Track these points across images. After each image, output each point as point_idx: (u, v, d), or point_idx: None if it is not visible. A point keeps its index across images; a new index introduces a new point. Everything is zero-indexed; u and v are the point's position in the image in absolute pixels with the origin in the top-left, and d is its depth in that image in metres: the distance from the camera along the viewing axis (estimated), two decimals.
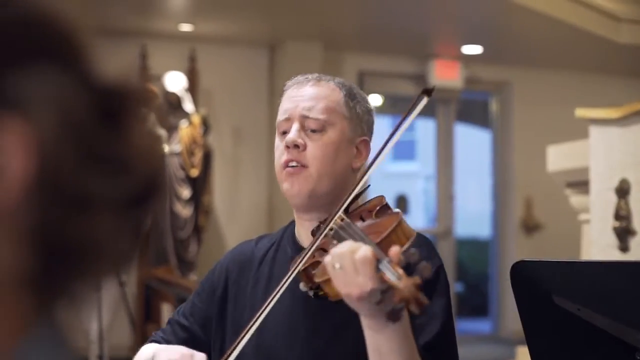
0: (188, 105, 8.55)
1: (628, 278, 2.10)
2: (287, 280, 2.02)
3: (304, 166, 2.19)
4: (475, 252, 14.23)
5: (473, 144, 15.07)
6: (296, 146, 2.19)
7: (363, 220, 2.10)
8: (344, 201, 2.08)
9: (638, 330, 2.06)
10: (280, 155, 2.23)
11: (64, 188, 0.72)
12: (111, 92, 0.75)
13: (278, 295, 2.02)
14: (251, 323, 2.03)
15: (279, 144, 2.26)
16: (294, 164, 2.20)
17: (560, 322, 2.16)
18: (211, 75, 9.39)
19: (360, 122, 2.30)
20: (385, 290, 1.65)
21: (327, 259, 1.78)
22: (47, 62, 0.72)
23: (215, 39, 9.54)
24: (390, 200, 2.16)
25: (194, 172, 8.52)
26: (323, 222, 2.16)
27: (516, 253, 10.47)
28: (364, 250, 1.70)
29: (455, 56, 10.51)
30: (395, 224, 1.89)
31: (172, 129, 8.52)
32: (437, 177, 11.38)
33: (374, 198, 2.18)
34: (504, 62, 10.90)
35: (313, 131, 2.21)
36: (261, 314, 2.03)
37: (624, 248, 4.52)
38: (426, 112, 12.56)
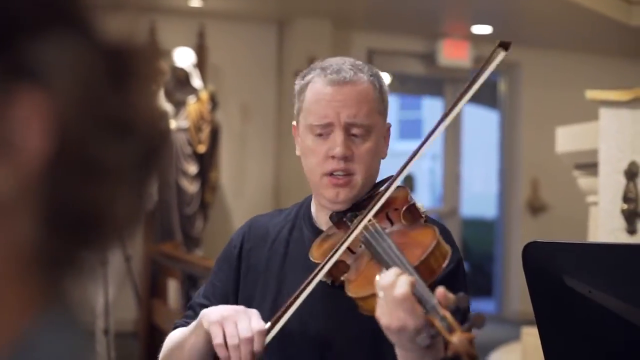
0: (196, 81, 8.54)
1: (638, 260, 2.10)
2: (313, 278, 2.01)
3: (349, 174, 2.17)
4: (480, 232, 14.22)
5: (481, 125, 15.04)
6: (345, 157, 2.15)
7: (391, 222, 2.09)
8: (371, 204, 2.05)
9: None
10: (321, 161, 2.17)
11: (80, 157, 0.71)
12: (117, 53, 0.74)
13: (308, 291, 2.01)
14: (279, 314, 2.02)
15: (313, 146, 2.19)
16: (340, 173, 2.16)
17: (571, 304, 2.16)
18: (220, 51, 9.37)
19: (387, 112, 2.29)
20: (434, 335, 1.63)
21: (376, 284, 1.76)
22: (59, 27, 0.70)
23: (225, 15, 9.52)
24: (397, 180, 2.14)
25: (201, 148, 8.51)
26: (345, 213, 2.16)
27: (521, 234, 10.47)
28: (402, 286, 1.68)
29: (464, 36, 10.48)
30: (434, 245, 1.88)
31: (179, 105, 8.51)
32: (444, 157, 11.38)
33: (397, 189, 2.16)
34: (513, 43, 10.78)
35: (355, 136, 2.17)
36: (290, 306, 2.02)
37: (631, 231, 4.51)
38: (434, 91, 12.58)
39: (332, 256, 2.01)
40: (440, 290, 1.68)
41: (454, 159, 11.25)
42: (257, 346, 1.96)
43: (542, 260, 2.18)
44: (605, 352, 2.19)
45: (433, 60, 10.57)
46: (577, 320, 2.19)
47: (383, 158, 2.28)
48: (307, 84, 2.23)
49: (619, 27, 9.34)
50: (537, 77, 11.04)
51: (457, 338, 1.58)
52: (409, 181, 18.55)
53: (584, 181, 5.27)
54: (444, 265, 1.87)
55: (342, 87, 2.16)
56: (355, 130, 2.16)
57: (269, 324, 2.00)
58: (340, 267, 2.03)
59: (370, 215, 2.03)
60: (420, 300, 1.66)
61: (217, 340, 1.98)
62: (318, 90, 2.19)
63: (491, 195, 12.34)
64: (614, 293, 2.08)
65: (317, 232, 2.24)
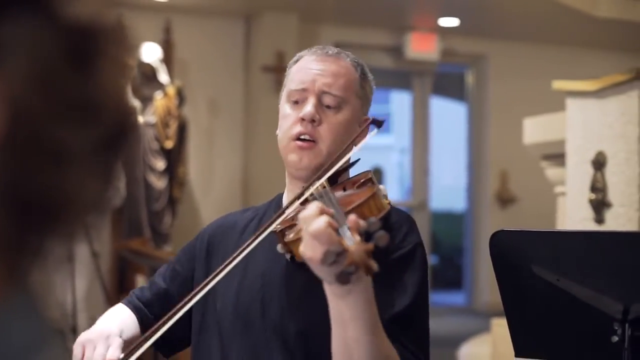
0: (163, 77, 8.49)
1: (606, 248, 2.10)
2: (261, 232, 2.02)
3: (314, 141, 2.20)
4: (450, 225, 14.27)
5: (449, 117, 15.08)
6: (312, 120, 2.20)
7: (344, 190, 2.11)
8: (326, 167, 2.08)
9: (615, 301, 2.06)
10: (291, 125, 2.23)
11: (36, 139, 0.69)
12: (81, 32, 0.71)
13: (252, 246, 2.03)
14: (220, 268, 2.04)
15: (289, 112, 2.25)
16: (306, 137, 2.20)
17: (539, 292, 2.15)
18: (186, 46, 9.32)
19: (367, 102, 2.33)
20: (340, 253, 1.64)
21: (298, 221, 1.78)
22: (15, 4, 0.68)
23: (191, 9, 9.48)
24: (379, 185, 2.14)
25: (169, 144, 8.47)
26: (307, 187, 2.15)
27: (490, 226, 10.48)
28: (320, 220, 1.68)
29: (431, 28, 10.48)
30: (369, 195, 1.89)
31: (146, 100, 8.46)
32: (413, 150, 11.38)
33: (361, 173, 2.18)
34: (480, 35, 10.88)
35: (328, 107, 2.22)
36: (231, 261, 2.03)
37: (599, 220, 4.53)
38: (402, 85, 12.60)
39: (280, 213, 2.05)
40: (352, 216, 1.71)
41: (422, 152, 11.25)
42: None
43: (509, 249, 2.17)
44: (573, 340, 2.19)
45: (401, 54, 10.56)
46: (545, 308, 2.19)
47: (355, 145, 2.27)
48: (295, 61, 2.34)
49: (585, 18, 9.37)
50: (504, 69, 11.07)
51: (354, 248, 1.61)
52: (377, 174, 18.58)
53: (551, 172, 5.29)
54: (380, 214, 1.86)
55: (324, 59, 2.27)
56: (328, 100, 2.22)
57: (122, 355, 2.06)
58: (290, 229, 2.04)
59: (323, 179, 2.06)
60: (334, 228, 1.68)
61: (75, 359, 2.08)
62: (303, 63, 2.29)
63: (460, 188, 12.37)
64: (581, 281, 2.08)
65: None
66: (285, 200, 2.33)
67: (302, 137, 2.20)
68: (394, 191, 19.12)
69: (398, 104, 19.42)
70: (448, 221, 14.52)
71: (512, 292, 2.21)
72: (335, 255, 1.64)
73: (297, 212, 2.01)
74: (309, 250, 1.70)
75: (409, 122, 11.56)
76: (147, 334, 2.04)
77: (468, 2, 9.59)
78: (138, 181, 8.34)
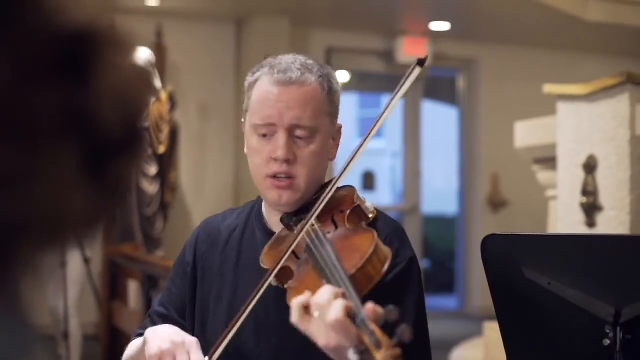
0: (155, 81, 8.48)
1: (597, 252, 2.10)
2: (260, 288, 1.99)
3: (292, 178, 2.13)
4: (441, 229, 14.26)
5: (440, 121, 15.09)
6: (287, 160, 2.11)
7: (336, 225, 2.06)
8: (315, 205, 2.03)
9: (607, 304, 2.06)
10: (264, 163, 2.14)
11: (20, 147, 0.66)
12: (77, 36, 0.69)
13: (254, 302, 1.99)
14: (229, 328, 2.00)
15: (257, 147, 2.15)
16: (282, 175, 2.12)
17: (531, 296, 2.15)
18: (178, 51, 9.32)
19: (337, 113, 2.23)
20: (363, 351, 1.59)
21: (311, 303, 1.73)
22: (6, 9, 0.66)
23: (182, 14, 9.48)
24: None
25: (161, 149, 8.45)
26: (294, 215, 2.14)
27: (482, 230, 10.49)
28: (336, 312, 1.63)
29: (422, 33, 10.49)
30: (371, 251, 1.84)
31: None
32: (404, 154, 11.39)
33: (344, 190, 2.15)
34: (471, 39, 10.90)
35: (299, 138, 2.12)
36: (240, 317, 1.99)
37: (590, 224, 4.54)
38: (393, 89, 12.54)
39: (275, 268, 1.99)
40: (370, 305, 1.63)
41: (414, 156, 11.26)
42: None
43: (501, 253, 2.17)
44: (565, 343, 2.19)
45: (392, 58, 10.57)
46: (536, 312, 2.19)
47: (332, 159, 2.25)
48: (255, 82, 2.18)
49: (576, 22, 9.40)
50: (495, 73, 11.08)
51: (381, 356, 1.55)
52: (370, 179, 18.59)
53: (543, 175, 5.30)
54: (384, 270, 1.83)
55: (287, 88, 2.12)
56: (299, 132, 2.11)
57: (206, 358, 1.98)
58: (287, 272, 2.01)
59: (311, 221, 2.01)
60: (350, 316, 1.63)
61: None
62: (264, 89, 2.14)
63: (452, 192, 12.38)
64: (572, 284, 2.08)
65: (269, 233, 2.22)
66: (266, 217, 2.29)
67: (279, 175, 2.12)
68: (385, 195, 19.12)
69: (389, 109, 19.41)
70: (440, 225, 14.51)
71: (503, 296, 2.21)
72: (359, 353, 1.60)
73: (294, 251, 2.00)
74: (324, 338, 1.67)
75: (400, 126, 11.56)
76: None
77: (459, 7, 9.60)
78: (130, 185, 8.32)
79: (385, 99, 20.11)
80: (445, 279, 12.85)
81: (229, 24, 9.85)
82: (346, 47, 10.58)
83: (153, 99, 8.39)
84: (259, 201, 2.34)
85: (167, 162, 8.58)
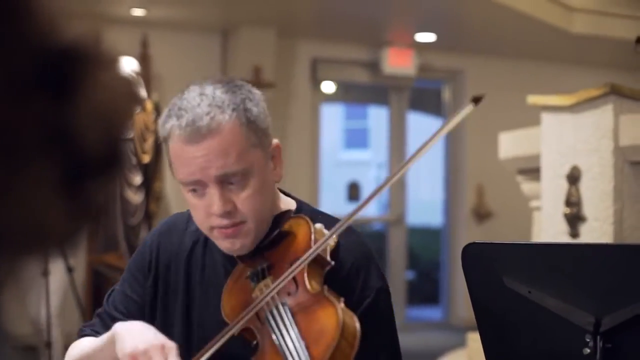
0: (140, 91, 8.46)
1: (577, 260, 2.10)
2: (222, 337, 1.93)
3: (239, 223, 2.02)
4: (427, 240, 14.26)
5: (426, 132, 15.08)
6: (227, 212, 1.99)
7: (296, 284, 1.95)
8: (284, 276, 1.91)
9: (587, 313, 2.06)
10: (205, 217, 2.03)
11: (2, 161, 0.66)
12: (63, 53, 0.69)
13: (216, 347, 1.93)
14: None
15: (193, 202, 2.04)
16: (228, 226, 2.01)
17: (511, 305, 2.15)
18: (163, 60, 9.31)
19: (265, 135, 2.07)
20: None
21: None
22: None
23: (168, 24, 9.47)
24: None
25: (145, 158, 8.43)
26: (251, 255, 2.07)
27: (467, 241, 10.40)
28: None
29: (408, 44, 10.51)
30: (338, 335, 1.77)
31: None
32: (390, 165, 11.39)
33: (298, 221, 2.05)
34: (457, 50, 10.92)
35: (231, 184, 1.99)
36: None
37: (574, 234, 4.55)
38: (379, 100, 12.62)
39: (227, 331, 1.94)
40: None
41: (399, 167, 11.25)
42: None
43: (481, 262, 2.17)
44: (545, 352, 2.19)
45: (378, 69, 10.58)
46: (517, 321, 2.19)
47: (277, 181, 2.13)
48: (167, 136, 2.04)
49: (561, 33, 9.44)
50: (481, 84, 11.09)
51: None
52: (355, 189, 18.60)
53: (527, 186, 5.31)
54: (355, 350, 1.77)
55: (200, 143, 1.96)
56: (230, 179, 1.99)
57: None
58: (250, 332, 1.96)
59: (274, 292, 1.92)
60: None
61: None
62: (177, 147, 2.01)
63: (437, 203, 12.38)
64: (553, 293, 2.08)
65: (232, 262, 2.13)
66: None
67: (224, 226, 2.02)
68: (371, 206, 19.11)
69: (375, 119, 19.43)
70: (425, 236, 14.52)
71: (484, 305, 2.21)
72: None
73: (256, 313, 1.94)
74: None
75: (386, 137, 11.57)
76: None
77: (444, 18, 9.62)
78: (114, 195, 8.30)
79: (371, 110, 20.14)
80: (430, 290, 12.85)
81: (214, 34, 9.85)
82: (332, 58, 10.59)
83: (138, 110, 8.38)
84: None
85: (152, 172, 8.56)
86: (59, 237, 0.73)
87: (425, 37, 10.18)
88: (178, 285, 2.19)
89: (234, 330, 1.93)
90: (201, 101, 2.01)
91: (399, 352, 2.13)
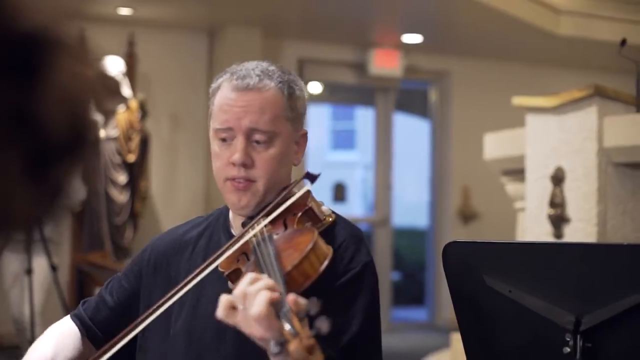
0: (126, 90, 8.46)
1: (557, 260, 2.10)
2: (199, 271, 2.02)
3: (251, 181, 2.15)
4: (412, 241, 14.29)
5: (412, 134, 15.12)
6: (244, 164, 2.14)
7: (286, 227, 2.08)
8: (272, 207, 2.06)
9: (568, 312, 2.06)
10: (223, 166, 2.18)
11: None
12: (31, 39, 0.68)
13: (198, 279, 2.01)
14: (162, 300, 2.02)
15: (218, 151, 2.20)
16: (240, 180, 2.15)
17: (492, 304, 2.15)
18: (149, 60, 9.30)
19: (300, 118, 2.25)
20: (281, 343, 1.62)
21: (234, 295, 1.75)
22: None
23: (154, 23, 9.45)
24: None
25: (131, 158, 8.43)
26: (250, 219, 2.14)
27: None
28: (260, 304, 1.65)
29: (395, 45, 10.51)
30: (309, 248, 1.85)
31: (109, 114, 8.42)
32: (376, 166, 11.40)
33: (300, 193, 2.15)
34: (443, 52, 10.93)
35: (257, 142, 2.15)
36: (175, 293, 2.01)
37: (558, 235, 4.56)
38: (366, 101, 12.63)
39: (212, 261, 2.02)
40: (291, 296, 1.66)
41: (385, 169, 11.26)
42: None
43: (462, 261, 2.17)
44: (526, 351, 2.19)
45: (364, 70, 10.58)
46: (498, 320, 2.19)
47: (296, 164, 2.28)
48: (217, 89, 2.22)
49: (548, 35, 9.46)
50: (467, 86, 11.12)
51: (295, 346, 1.58)
52: (340, 190, 18.60)
53: (511, 187, 5.32)
54: (322, 268, 1.83)
55: (246, 94, 2.15)
56: (257, 137, 2.15)
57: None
58: (238, 274, 2.02)
59: (263, 224, 2.03)
60: (275, 307, 1.66)
61: None
62: (223, 95, 2.18)
63: (423, 204, 12.40)
64: (533, 292, 2.08)
65: (232, 237, 2.21)
66: (231, 222, 2.31)
67: (237, 179, 2.16)
68: (357, 207, 19.12)
69: (362, 121, 19.44)
70: (411, 237, 14.54)
71: (464, 304, 2.21)
72: (279, 344, 1.63)
73: (244, 251, 2.01)
74: (249, 329, 1.69)
75: (372, 138, 11.58)
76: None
77: (431, 19, 9.63)
78: (99, 195, 8.29)
79: (359, 111, 20.15)
80: (415, 291, 12.87)
81: (201, 34, 9.84)
82: (318, 59, 10.59)
83: (121, 107, 8.37)
84: (226, 207, 2.35)
85: (137, 171, 8.56)
86: (25, 221, 0.73)
87: (412, 38, 10.19)
88: (180, 277, 2.23)
89: (220, 261, 2.02)
90: (256, 67, 2.21)
91: (376, 327, 2.16)
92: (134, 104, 8.45)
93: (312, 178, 2.08)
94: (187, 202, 9.58)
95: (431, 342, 9.14)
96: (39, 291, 6.41)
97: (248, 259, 2.04)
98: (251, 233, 2.02)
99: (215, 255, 2.04)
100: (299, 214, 2.07)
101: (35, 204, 0.72)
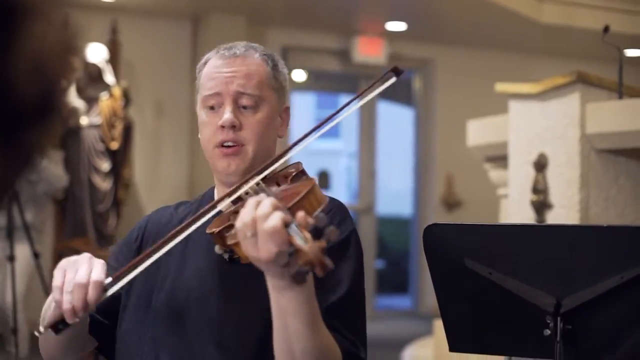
0: (109, 77, 8.43)
1: (538, 242, 2.11)
2: (190, 223, 2.00)
3: (239, 145, 2.19)
4: (396, 229, 14.30)
5: (396, 122, 15.11)
6: (233, 126, 2.18)
7: (278, 185, 2.09)
8: (262, 168, 2.05)
9: (548, 294, 2.06)
10: (212, 133, 2.21)
11: None
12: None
13: (177, 240, 1.99)
14: (140, 257, 2.00)
15: (206, 119, 2.24)
16: (230, 143, 2.19)
17: (472, 286, 2.16)
18: (133, 47, 9.26)
19: (283, 92, 2.32)
20: (292, 253, 1.64)
21: (238, 226, 1.74)
22: None
23: (138, 10, 9.42)
24: (312, 176, 2.14)
25: (114, 145, 8.40)
26: (240, 185, 2.13)
27: None
28: (274, 220, 1.67)
29: (379, 33, 10.50)
30: (308, 189, 1.87)
31: (92, 101, 8.39)
32: (360, 155, 11.40)
33: (292, 164, 2.18)
34: (427, 40, 10.93)
35: (245, 107, 2.21)
36: (154, 251, 1.99)
37: (541, 221, 4.57)
38: (350, 89, 12.62)
39: (206, 210, 2.01)
40: (301, 213, 1.69)
41: (369, 157, 11.27)
42: (91, 295, 1.92)
43: (442, 243, 2.17)
44: (506, 333, 2.19)
45: (348, 57, 10.58)
46: (478, 302, 2.19)
47: (281, 137, 2.33)
48: (203, 64, 2.30)
49: (531, 24, 9.47)
50: (451, 74, 11.12)
51: (309, 247, 1.61)
52: (325, 178, 18.59)
53: (494, 174, 5.32)
54: (319, 209, 1.84)
55: (233, 61, 2.23)
56: (244, 101, 2.20)
57: (110, 279, 1.96)
58: (230, 229, 2.00)
59: (258, 178, 2.03)
60: (285, 224, 1.68)
61: (56, 282, 1.95)
62: (211, 65, 2.26)
63: (407, 192, 12.40)
64: (513, 274, 2.09)
65: (218, 212, 2.22)
66: (217, 196, 2.31)
67: (226, 144, 2.19)
68: (341, 196, 19.10)
69: (347, 110, 19.35)
70: (395, 226, 14.54)
71: (445, 286, 2.21)
72: (288, 255, 1.64)
73: (234, 211, 2.00)
74: (261, 252, 1.68)
75: (356, 126, 11.57)
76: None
77: (415, 7, 9.62)
78: (82, 182, 8.27)
79: (342, 99, 20.11)
80: (399, 279, 12.88)
81: (185, 21, 9.81)
82: (302, 46, 10.58)
83: (104, 95, 8.34)
84: (211, 189, 2.38)
85: (120, 159, 8.54)
86: None
87: (396, 26, 10.18)
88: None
89: (197, 224, 2.00)
90: (241, 43, 2.31)
91: (361, 292, 2.17)
92: (117, 91, 8.42)
93: (398, 73, 2.06)
94: (170, 189, 9.56)
95: (415, 330, 9.16)
96: (21, 278, 6.40)
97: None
98: (245, 187, 2.02)
99: (209, 205, 2.03)
100: (291, 176, 2.10)
101: (4, 170, 0.71)
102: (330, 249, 1.95)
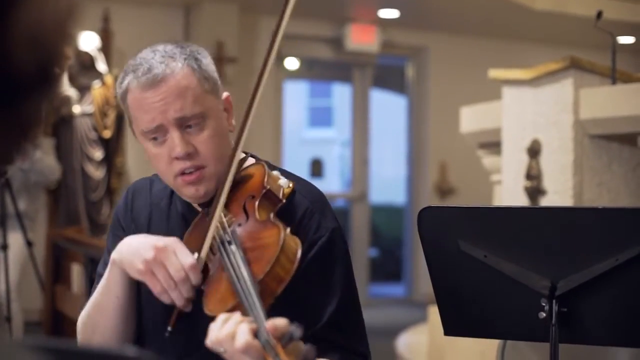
0: (101, 66, 8.41)
1: (532, 225, 2.10)
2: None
3: (200, 168, 2.10)
4: (390, 218, 14.29)
5: (389, 110, 15.11)
6: (188, 154, 2.08)
7: (247, 215, 2.04)
8: (220, 190, 2.03)
9: (543, 277, 2.06)
10: (167, 164, 2.10)
11: None
12: None
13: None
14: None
15: (155, 151, 2.11)
16: (190, 170, 2.09)
17: (467, 269, 2.15)
18: (125, 35, 9.23)
19: (217, 86, 2.18)
20: None
21: (210, 346, 1.77)
22: None
23: None
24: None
25: (107, 134, 8.39)
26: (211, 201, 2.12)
27: None
28: (243, 339, 1.68)
29: (372, 20, 10.49)
30: (278, 250, 1.85)
31: (84, 89, 8.37)
32: (353, 143, 11.39)
33: (253, 168, 2.14)
34: (420, 27, 10.91)
35: (190, 127, 2.08)
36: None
37: None
38: (343, 77, 12.61)
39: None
40: (269, 324, 1.68)
41: (362, 145, 11.27)
42: (193, 280, 1.96)
43: (437, 226, 2.17)
44: (501, 316, 2.19)
45: (341, 45, 10.56)
46: (473, 285, 2.19)
47: (232, 131, 2.21)
48: (125, 92, 2.13)
49: (524, 11, 9.46)
50: (444, 62, 11.11)
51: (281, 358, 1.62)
52: (318, 166, 18.59)
53: (488, 160, 5.33)
54: (294, 267, 1.84)
55: (158, 87, 2.06)
56: (188, 122, 2.08)
57: (196, 254, 1.99)
58: (204, 269, 2.02)
59: (215, 221, 2.01)
60: (255, 336, 1.69)
61: (156, 289, 1.97)
62: (136, 97, 2.09)
63: (400, 180, 12.40)
64: (508, 257, 2.08)
65: (192, 211, 2.22)
66: None
67: (187, 171, 2.09)
68: (335, 184, 19.12)
69: (339, 98, 19.39)
70: (388, 214, 14.54)
71: (440, 270, 2.21)
72: None
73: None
74: None
75: (349, 114, 11.57)
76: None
77: None
78: (75, 171, 8.26)
79: (336, 87, 20.13)
80: (392, 266, 12.89)
81: (177, 9, 9.79)
82: (295, 34, 10.54)
83: (97, 83, 8.32)
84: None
85: (113, 147, 8.53)
86: None
87: (389, 13, 10.17)
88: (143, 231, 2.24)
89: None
90: (154, 55, 2.11)
91: (354, 293, 2.15)
92: (109, 79, 8.40)
93: None
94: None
95: (409, 317, 9.16)
96: (14, 267, 6.38)
97: (213, 253, 2.02)
98: (212, 228, 2.00)
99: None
100: (258, 198, 2.03)
101: (2, 139, 0.71)
102: (315, 258, 1.94)
